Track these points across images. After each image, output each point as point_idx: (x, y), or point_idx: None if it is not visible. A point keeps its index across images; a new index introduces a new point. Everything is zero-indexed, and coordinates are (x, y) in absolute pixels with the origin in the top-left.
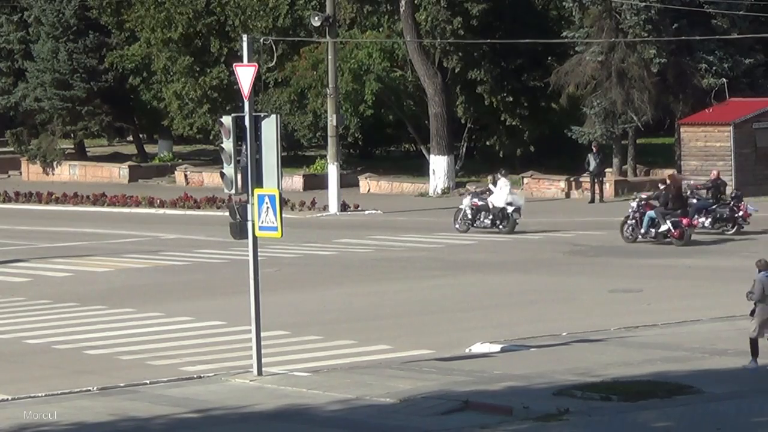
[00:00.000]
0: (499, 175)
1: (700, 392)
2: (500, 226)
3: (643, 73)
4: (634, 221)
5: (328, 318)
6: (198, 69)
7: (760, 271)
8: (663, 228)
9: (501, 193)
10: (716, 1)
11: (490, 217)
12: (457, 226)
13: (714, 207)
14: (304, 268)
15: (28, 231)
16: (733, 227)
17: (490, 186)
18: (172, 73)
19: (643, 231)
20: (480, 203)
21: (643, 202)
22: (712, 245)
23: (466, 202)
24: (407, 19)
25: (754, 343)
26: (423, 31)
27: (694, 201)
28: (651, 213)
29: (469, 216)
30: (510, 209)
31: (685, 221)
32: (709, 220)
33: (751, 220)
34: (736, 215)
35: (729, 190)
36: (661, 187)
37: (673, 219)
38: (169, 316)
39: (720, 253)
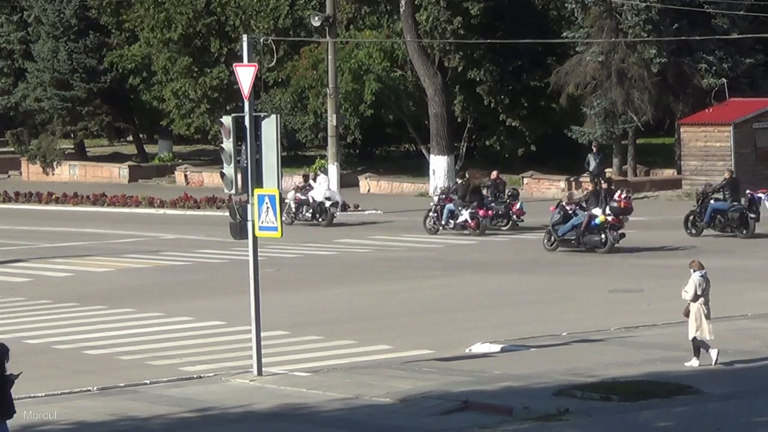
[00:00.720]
0: (320, 172)
1: (700, 392)
2: (319, 219)
3: (643, 73)
4: (435, 214)
5: (328, 318)
6: (197, 69)
7: (694, 271)
8: (461, 219)
9: (320, 188)
10: (716, 1)
11: (311, 211)
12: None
13: (493, 203)
14: (304, 268)
15: (28, 231)
16: (507, 223)
17: (311, 182)
18: (171, 73)
19: (443, 222)
20: (302, 198)
21: (443, 196)
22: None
23: (290, 195)
24: (407, 19)
25: (696, 343)
26: (423, 31)
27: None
28: (450, 205)
29: (293, 209)
30: (328, 204)
31: (481, 212)
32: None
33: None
34: (510, 212)
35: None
36: (459, 182)
37: (471, 210)
38: (169, 316)
39: (720, 253)
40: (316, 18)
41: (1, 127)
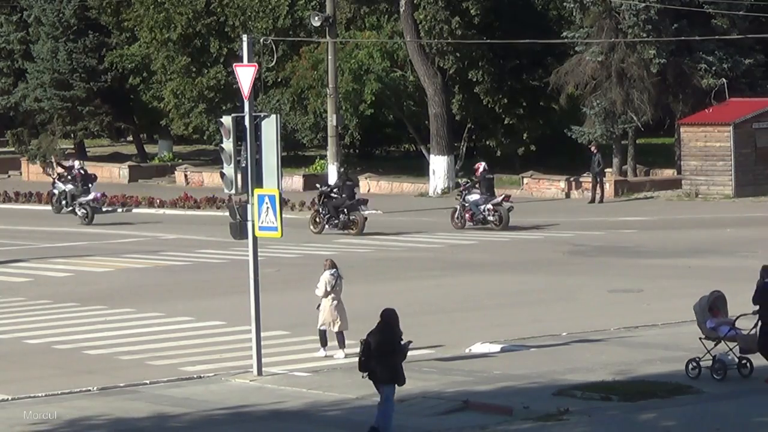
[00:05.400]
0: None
1: (700, 392)
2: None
3: (643, 73)
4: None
5: None
6: (195, 69)
7: (326, 270)
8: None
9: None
10: (716, 1)
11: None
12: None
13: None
14: (304, 268)
15: (28, 231)
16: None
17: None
18: (169, 73)
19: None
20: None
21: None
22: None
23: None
24: (407, 19)
25: (337, 336)
26: (421, 30)
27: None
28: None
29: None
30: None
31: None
32: None
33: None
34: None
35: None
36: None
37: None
38: (169, 316)
39: (719, 253)
40: (316, 18)
41: (1, 127)
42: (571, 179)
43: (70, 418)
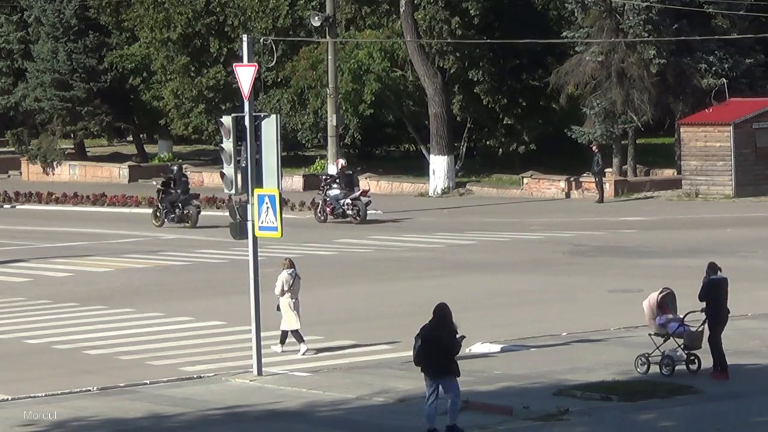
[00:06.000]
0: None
1: (699, 392)
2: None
3: (643, 73)
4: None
5: (328, 318)
6: (194, 69)
7: (284, 269)
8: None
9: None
10: (716, 1)
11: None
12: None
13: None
14: (304, 268)
15: (28, 231)
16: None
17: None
18: (169, 73)
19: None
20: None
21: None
22: None
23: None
24: (407, 19)
25: (290, 334)
26: (421, 30)
27: None
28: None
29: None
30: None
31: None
32: None
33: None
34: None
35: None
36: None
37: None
38: (169, 316)
39: (719, 253)
40: (316, 18)
41: (1, 127)
42: (571, 179)
43: (70, 418)
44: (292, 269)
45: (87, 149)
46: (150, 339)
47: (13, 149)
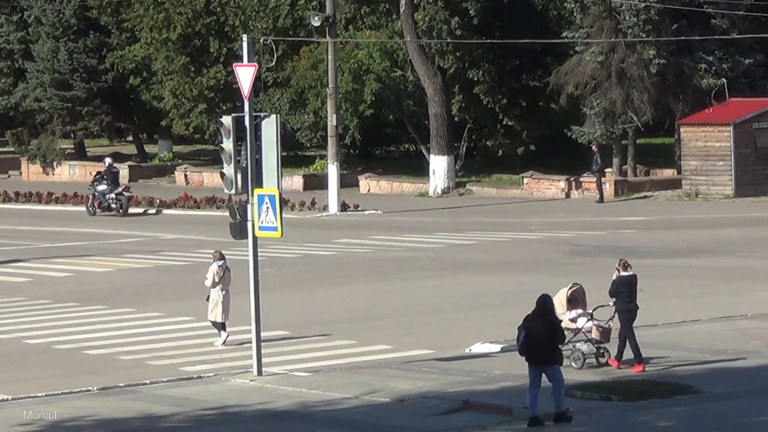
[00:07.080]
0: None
1: (700, 392)
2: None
3: (643, 73)
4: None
5: (328, 318)
6: (194, 69)
7: (214, 261)
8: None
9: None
10: (716, 1)
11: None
12: None
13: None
14: (304, 268)
15: (28, 231)
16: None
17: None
18: (169, 73)
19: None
20: None
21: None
22: None
23: None
24: (407, 19)
25: (217, 325)
26: (420, 30)
27: None
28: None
29: None
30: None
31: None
32: None
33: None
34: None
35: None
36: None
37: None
38: (169, 316)
39: (719, 253)
40: (316, 18)
41: (1, 127)
42: (571, 179)
43: (70, 418)
44: (222, 261)
45: (87, 149)
46: (150, 339)
47: (13, 149)
